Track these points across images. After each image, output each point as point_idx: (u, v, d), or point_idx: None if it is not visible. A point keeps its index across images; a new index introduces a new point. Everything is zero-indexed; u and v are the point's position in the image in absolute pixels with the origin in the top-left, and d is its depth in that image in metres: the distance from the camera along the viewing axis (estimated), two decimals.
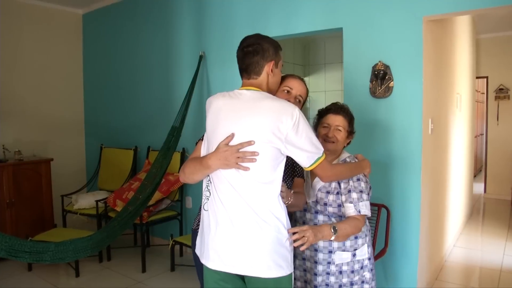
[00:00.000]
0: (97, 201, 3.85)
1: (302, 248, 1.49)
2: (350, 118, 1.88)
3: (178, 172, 2.67)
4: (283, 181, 1.53)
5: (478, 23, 5.38)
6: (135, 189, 3.55)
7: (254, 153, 1.44)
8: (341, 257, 1.78)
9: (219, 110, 1.54)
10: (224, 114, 1.52)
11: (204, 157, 1.54)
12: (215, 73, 3.69)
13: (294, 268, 1.74)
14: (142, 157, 4.36)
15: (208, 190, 1.57)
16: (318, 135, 1.82)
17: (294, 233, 1.49)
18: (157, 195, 3.59)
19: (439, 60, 3.16)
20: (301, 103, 1.79)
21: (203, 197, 1.60)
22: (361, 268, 1.82)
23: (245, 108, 1.49)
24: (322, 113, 1.90)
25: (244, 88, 1.57)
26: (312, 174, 1.77)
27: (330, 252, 1.77)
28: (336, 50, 5.22)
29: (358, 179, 1.78)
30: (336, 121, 1.84)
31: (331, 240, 1.66)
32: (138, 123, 4.44)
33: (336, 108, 1.87)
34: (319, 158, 1.52)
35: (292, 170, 1.77)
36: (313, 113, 2.36)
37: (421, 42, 2.58)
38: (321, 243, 1.77)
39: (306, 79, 5.83)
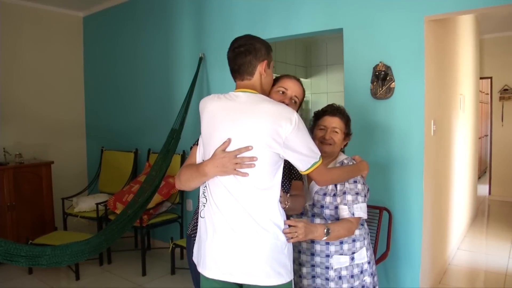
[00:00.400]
0: (97, 204, 3.84)
1: (289, 241, 1.48)
2: (346, 120, 1.85)
3: None
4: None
5: (482, 23, 5.33)
6: (135, 192, 3.53)
7: (252, 158, 1.40)
8: (339, 261, 1.75)
9: (214, 113, 1.50)
10: (220, 118, 1.48)
11: (200, 164, 1.50)
12: (215, 75, 3.67)
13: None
14: (143, 159, 4.34)
15: (205, 197, 1.53)
16: (314, 137, 1.79)
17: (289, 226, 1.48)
18: (157, 198, 3.57)
19: (441, 60, 3.12)
20: (297, 104, 1.74)
21: (200, 204, 1.57)
22: (361, 272, 1.79)
23: (242, 111, 1.45)
24: (318, 115, 1.87)
25: (239, 90, 1.53)
26: (309, 177, 1.74)
27: (328, 256, 1.74)
28: (338, 51, 5.17)
29: (355, 181, 1.76)
30: (333, 123, 1.81)
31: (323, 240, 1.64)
32: (138, 125, 4.43)
33: (332, 110, 1.84)
34: (315, 162, 1.51)
35: (289, 173, 1.73)
36: None
37: (422, 42, 2.55)
38: (318, 247, 1.75)
39: (308, 80, 5.81)
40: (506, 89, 6.08)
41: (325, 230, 1.59)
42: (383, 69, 2.67)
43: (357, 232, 1.78)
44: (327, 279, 1.74)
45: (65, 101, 4.88)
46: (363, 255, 1.80)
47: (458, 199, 4.02)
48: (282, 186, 1.52)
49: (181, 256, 3.93)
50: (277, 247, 1.44)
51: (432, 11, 2.51)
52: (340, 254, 1.75)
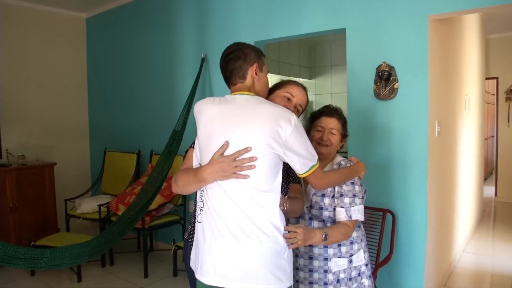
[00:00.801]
0: (99, 206, 3.83)
1: (289, 247, 1.45)
2: (343, 121, 1.84)
3: None
4: None
5: (488, 22, 5.27)
6: (137, 194, 3.52)
7: (252, 159, 1.38)
8: (338, 264, 1.72)
9: (213, 117, 1.48)
10: (220, 121, 1.45)
11: (198, 169, 1.47)
12: (217, 76, 3.64)
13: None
14: (145, 161, 4.33)
15: (202, 201, 1.51)
16: (311, 139, 1.77)
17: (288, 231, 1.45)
18: (159, 199, 3.55)
19: (446, 60, 3.08)
20: (300, 112, 1.74)
21: (197, 208, 1.55)
22: (359, 275, 1.77)
23: (241, 113, 1.43)
24: (315, 116, 1.85)
25: (236, 93, 1.52)
26: (305, 180, 1.71)
27: (326, 259, 1.72)
28: (342, 52, 5.12)
29: (352, 183, 1.74)
30: (330, 124, 1.79)
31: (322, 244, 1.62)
32: (141, 127, 4.42)
33: (329, 111, 1.82)
34: (313, 166, 1.49)
35: (287, 176, 1.71)
36: None
37: (426, 42, 2.51)
38: (316, 250, 1.72)
39: (312, 81, 5.79)
40: None
41: (323, 236, 1.57)
42: (387, 69, 2.64)
43: (354, 234, 1.76)
44: (325, 283, 1.72)
45: (68, 102, 4.89)
46: (360, 257, 1.78)
47: (463, 200, 3.97)
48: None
49: (183, 258, 3.90)
50: (277, 252, 1.41)
51: (436, 10, 2.47)
52: (339, 257, 1.73)
